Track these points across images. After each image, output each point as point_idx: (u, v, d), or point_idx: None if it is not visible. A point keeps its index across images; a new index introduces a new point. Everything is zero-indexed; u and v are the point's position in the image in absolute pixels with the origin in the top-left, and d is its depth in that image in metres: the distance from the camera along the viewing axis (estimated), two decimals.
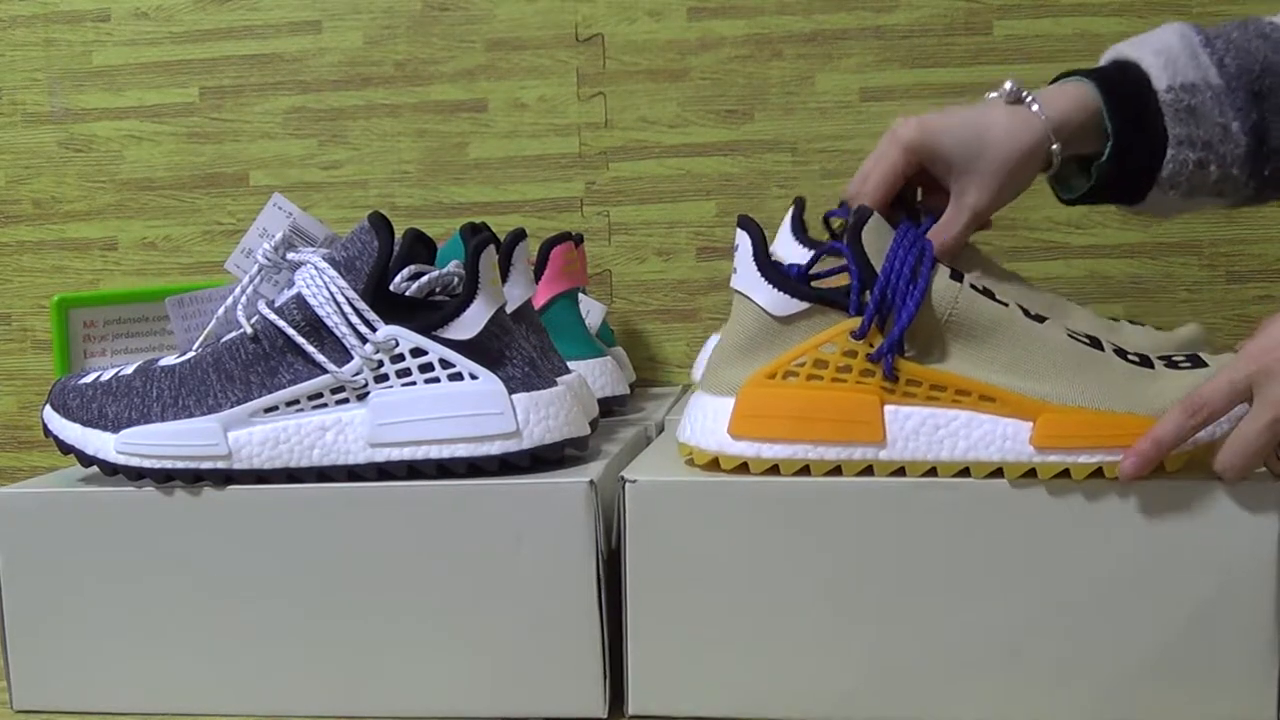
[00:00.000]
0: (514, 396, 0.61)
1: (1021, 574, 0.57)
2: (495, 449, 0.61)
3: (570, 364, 0.75)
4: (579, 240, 0.92)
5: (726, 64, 1.06)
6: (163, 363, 0.65)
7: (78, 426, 0.64)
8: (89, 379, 0.66)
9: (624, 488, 0.59)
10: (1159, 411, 0.55)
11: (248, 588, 0.63)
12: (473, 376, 0.61)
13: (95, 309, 0.79)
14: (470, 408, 0.61)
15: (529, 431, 0.62)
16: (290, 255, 0.65)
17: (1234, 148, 0.67)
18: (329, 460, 0.62)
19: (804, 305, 0.58)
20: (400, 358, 0.61)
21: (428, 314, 0.62)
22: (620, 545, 0.60)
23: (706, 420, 0.60)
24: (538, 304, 0.84)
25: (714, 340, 0.84)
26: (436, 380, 0.61)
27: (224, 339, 0.64)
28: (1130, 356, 0.59)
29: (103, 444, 0.63)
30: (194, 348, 0.66)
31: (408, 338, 0.61)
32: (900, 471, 0.58)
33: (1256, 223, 1.04)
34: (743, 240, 0.59)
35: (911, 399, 0.57)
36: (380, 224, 0.62)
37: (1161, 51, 0.68)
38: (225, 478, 0.62)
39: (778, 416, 0.58)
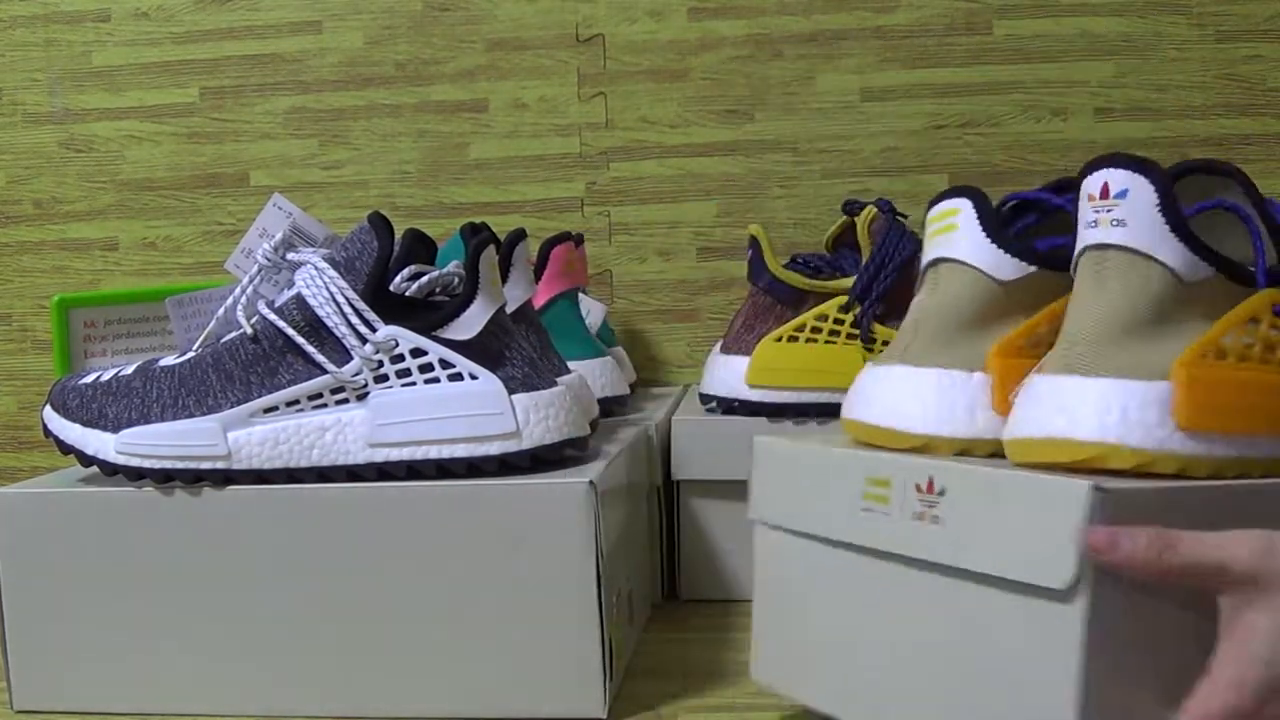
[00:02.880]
0: (514, 397, 0.61)
1: None
2: (495, 449, 0.61)
3: (570, 364, 0.75)
4: (579, 240, 0.93)
5: (727, 64, 1.06)
6: (163, 363, 0.65)
7: (78, 426, 0.64)
8: (89, 379, 0.66)
9: (1095, 498, 0.46)
10: None
11: (248, 588, 0.63)
12: (472, 377, 0.61)
13: (95, 309, 0.79)
14: (470, 408, 0.61)
15: (529, 432, 0.61)
16: (290, 255, 0.65)
17: None
18: (329, 460, 0.62)
19: (1210, 271, 0.49)
20: (400, 358, 0.61)
21: (428, 314, 0.62)
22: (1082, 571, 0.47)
23: (1137, 411, 0.48)
24: (538, 304, 0.84)
25: (717, 350, 0.84)
26: (436, 380, 0.61)
27: (224, 339, 0.64)
28: None
29: (103, 444, 0.63)
30: (194, 348, 0.66)
31: (407, 338, 0.61)
32: None
33: None
34: (1139, 183, 0.49)
35: None
36: (380, 224, 0.62)
37: None
38: (225, 478, 0.62)
39: (1227, 406, 0.48)
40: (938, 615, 0.51)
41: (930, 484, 0.52)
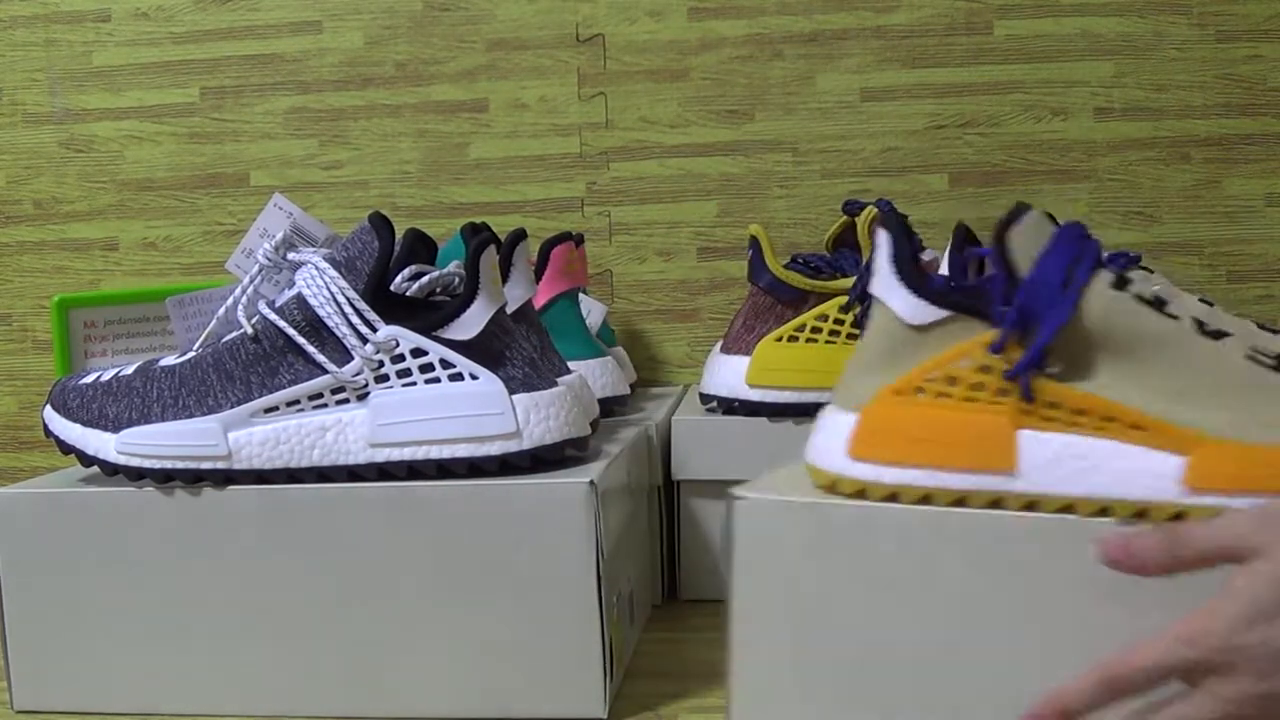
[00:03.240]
0: (514, 397, 0.61)
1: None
2: (495, 449, 0.61)
3: (571, 364, 0.75)
4: (579, 240, 0.92)
5: (727, 64, 1.06)
6: (163, 363, 0.65)
7: (78, 426, 0.64)
8: (89, 379, 0.66)
9: (732, 504, 0.54)
10: None
11: (248, 588, 0.63)
12: (473, 377, 0.61)
13: (96, 309, 0.79)
14: (470, 408, 0.61)
15: (529, 432, 0.61)
16: (291, 255, 0.66)
17: None
18: (329, 460, 0.62)
19: (944, 314, 0.52)
20: (400, 358, 0.61)
21: (428, 314, 0.62)
22: (727, 563, 0.55)
23: (829, 438, 0.54)
24: (538, 304, 0.84)
25: (717, 350, 0.84)
26: (437, 380, 0.61)
27: (224, 339, 0.64)
28: None
29: (103, 444, 0.63)
30: (194, 348, 0.66)
31: (408, 338, 0.61)
32: (1033, 506, 0.50)
33: (1257, 223, 1.04)
34: (881, 239, 0.53)
35: (1050, 424, 0.50)
36: (381, 224, 0.62)
37: None
38: (225, 478, 0.62)
39: (900, 438, 0.52)
40: None
41: None
